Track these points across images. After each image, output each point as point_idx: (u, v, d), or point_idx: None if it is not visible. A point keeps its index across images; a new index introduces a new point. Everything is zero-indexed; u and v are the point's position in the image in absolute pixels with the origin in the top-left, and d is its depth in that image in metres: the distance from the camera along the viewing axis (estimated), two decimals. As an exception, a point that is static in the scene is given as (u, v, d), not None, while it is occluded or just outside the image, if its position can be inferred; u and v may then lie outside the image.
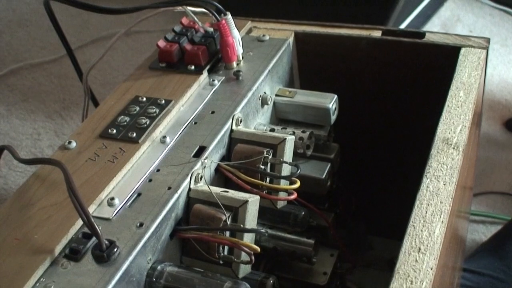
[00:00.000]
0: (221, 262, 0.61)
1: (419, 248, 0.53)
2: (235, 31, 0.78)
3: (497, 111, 1.61)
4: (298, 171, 0.66)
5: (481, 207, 1.36)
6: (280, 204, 0.70)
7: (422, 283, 0.49)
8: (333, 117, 0.80)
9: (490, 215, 1.34)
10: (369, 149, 0.95)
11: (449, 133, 0.65)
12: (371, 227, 1.02)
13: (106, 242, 0.54)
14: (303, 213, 0.77)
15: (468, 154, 0.71)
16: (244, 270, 0.62)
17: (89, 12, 0.77)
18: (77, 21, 2.09)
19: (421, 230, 0.54)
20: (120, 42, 1.92)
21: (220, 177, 0.68)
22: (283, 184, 0.68)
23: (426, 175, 0.60)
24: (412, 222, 0.55)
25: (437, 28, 1.97)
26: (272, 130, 0.77)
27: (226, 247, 0.61)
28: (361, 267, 0.98)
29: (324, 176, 0.78)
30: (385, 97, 0.89)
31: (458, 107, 0.69)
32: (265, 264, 0.80)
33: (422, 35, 0.83)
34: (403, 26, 1.79)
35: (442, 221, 0.55)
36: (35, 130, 1.66)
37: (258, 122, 0.78)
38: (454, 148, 0.63)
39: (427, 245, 0.53)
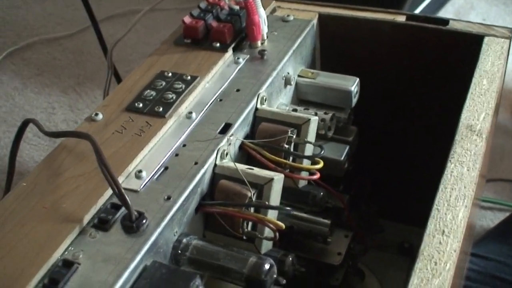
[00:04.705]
0: (244, 237, 0.62)
1: (443, 231, 0.53)
2: (261, 10, 0.79)
3: (508, 100, 1.62)
4: (322, 152, 0.67)
5: (490, 193, 1.37)
6: (302, 184, 0.71)
7: (446, 265, 0.50)
8: (354, 100, 0.81)
9: (499, 201, 1.35)
10: (385, 133, 0.95)
11: (473, 120, 0.66)
12: (381, 210, 1.03)
13: (136, 213, 0.55)
14: (321, 193, 0.78)
15: (489, 142, 0.72)
16: (267, 246, 0.63)
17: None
18: (90, -2, 2.09)
19: (445, 214, 0.55)
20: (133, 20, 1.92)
21: (243, 155, 0.69)
22: (306, 164, 0.69)
23: (450, 160, 0.61)
24: (436, 205, 0.56)
25: (450, 15, 1.97)
26: (295, 110, 0.78)
27: (250, 223, 0.62)
28: (371, 249, 0.99)
29: (342, 158, 0.79)
30: (406, 82, 0.89)
31: (481, 95, 0.70)
32: (280, 242, 0.80)
33: (446, 22, 0.83)
34: (417, 11, 1.79)
35: (466, 206, 0.56)
36: (50, 104, 1.67)
37: (280, 102, 0.78)
38: (477, 135, 0.64)
39: (451, 228, 0.54)
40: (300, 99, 0.83)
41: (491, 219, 1.32)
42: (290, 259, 0.67)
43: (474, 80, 0.72)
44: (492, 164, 1.42)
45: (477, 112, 0.67)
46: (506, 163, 1.45)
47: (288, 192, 0.78)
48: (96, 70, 1.79)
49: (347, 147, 0.81)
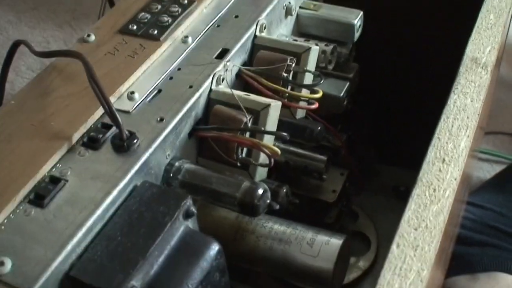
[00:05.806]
0: (238, 164, 0.60)
1: (444, 159, 0.52)
2: None
3: (510, 54, 1.59)
4: (321, 81, 0.65)
5: (488, 146, 1.35)
6: (299, 115, 0.69)
7: (446, 192, 0.49)
8: (357, 34, 0.78)
9: (497, 153, 1.34)
10: (387, 72, 0.93)
11: (478, 53, 0.64)
12: (378, 153, 1.01)
13: (127, 133, 0.53)
14: (319, 127, 0.76)
15: (493, 80, 0.70)
16: (261, 174, 0.61)
17: None
18: None
19: (446, 143, 0.53)
20: None
21: (240, 83, 0.67)
22: (305, 93, 0.67)
23: (453, 91, 0.59)
24: (437, 134, 0.54)
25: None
26: (295, 41, 0.75)
27: (244, 150, 0.60)
28: (366, 192, 0.98)
29: (342, 94, 0.77)
30: (412, 18, 0.87)
31: (488, 29, 0.68)
32: (275, 178, 0.79)
33: (454, -44, 0.80)
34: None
35: (468, 136, 0.54)
36: (44, 39, 1.64)
37: (280, 33, 0.76)
38: (482, 68, 0.62)
39: (451, 157, 0.52)
40: (301, 32, 0.81)
41: (488, 171, 1.30)
42: (284, 190, 0.66)
43: (481, 15, 0.70)
44: (492, 117, 1.40)
45: (483, 46, 0.65)
46: (506, 116, 1.43)
47: (285, 126, 0.76)
48: (93, 6, 1.74)
49: (347, 84, 0.78)
